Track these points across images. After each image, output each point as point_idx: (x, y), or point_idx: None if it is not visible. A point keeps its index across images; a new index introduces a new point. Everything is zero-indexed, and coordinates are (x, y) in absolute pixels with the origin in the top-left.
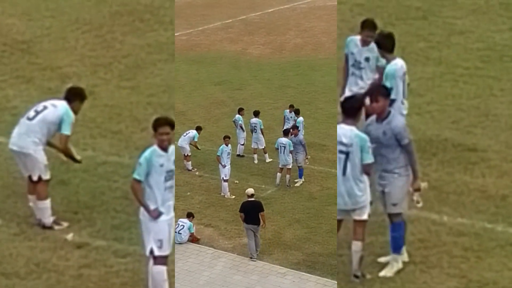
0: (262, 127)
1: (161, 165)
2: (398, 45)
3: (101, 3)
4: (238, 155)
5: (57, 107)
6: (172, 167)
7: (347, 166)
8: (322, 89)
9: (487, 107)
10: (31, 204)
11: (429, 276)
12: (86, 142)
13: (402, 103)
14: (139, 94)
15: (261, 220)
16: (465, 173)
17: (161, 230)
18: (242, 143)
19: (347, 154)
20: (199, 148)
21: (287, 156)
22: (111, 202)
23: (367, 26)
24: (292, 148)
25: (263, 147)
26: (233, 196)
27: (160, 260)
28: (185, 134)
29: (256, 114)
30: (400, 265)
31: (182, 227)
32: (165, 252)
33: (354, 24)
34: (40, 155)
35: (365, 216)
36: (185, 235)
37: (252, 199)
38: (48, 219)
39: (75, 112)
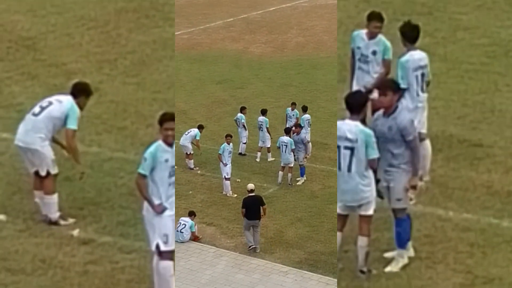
0: (268, 125)
1: (166, 160)
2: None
3: (106, 0)
4: (240, 154)
5: (63, 103)
6: (174, 163)
7: (352, 162)
8: (323, 87)
9: (493, 103)
10: (37, 200)
11: (435, 272)
12: (91, 138)
13: (417, 94)
14: (144, 90)
15: (262, 213)
16: (471, 169)
17: (166, 225)
18: (245, 141)
19: (352, 149)
20: (200, 150)
21: (288, 155)
22: (116, 198)
23: (374, 17)
24: (293, 147)
25: (268, 146)
26: (235, 195)
27: (166, 255)
28: (187, 132)
29: (264, 112)
30: (405, 260)
31: (184, 226)
32: (171, 246)
33: (360, 20)
34: (47, 150)
35: (370, 212)
36: (187, 234)
37: (253, 194)
38: (55, 214)
39: (81, 107)
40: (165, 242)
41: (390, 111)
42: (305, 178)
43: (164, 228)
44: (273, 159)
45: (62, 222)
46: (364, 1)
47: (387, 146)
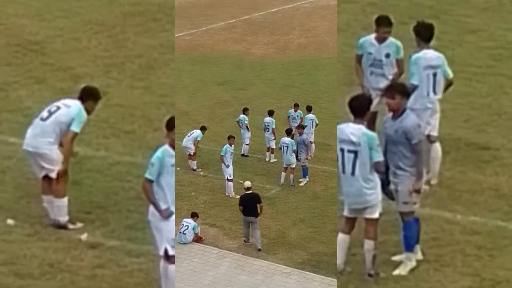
0: (274, 126)
1: (173, 165)
2: (410, 44)
3: (113, 4)
4: (243, 155)
5: (70, 107)
6: None
7: (356, 165)
8: (325, 88)
9: (500, 106)
10: (45, 204)
11: (443, 275)
12: (99, 142)
13: (428, 94)
14: (151, 94)
15: (258, 211)
16: (478, 171)
17: (173, 229)
18: (247, 142)
19: (355, 153)
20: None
21: (290, 156)
22: (124, 202)
23: (383, 22)
24: (294, 148)
25: (273, 147)
26: (238, 196)
27: (173, 259)
28: (189, 134)
29: (271, 113)
30: (413, 264)
31: (186, 227)
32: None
33: (366, 23)
34: (56, 154)
35: (376, 215)
36: (189, 235)
37: (250, 191)
38: (64, 218)
39: (89, 112)
40: (173, 246)
41: (398, 114)
42: (307, 179)
43: (171, 232)
44: (276, 160)
45: (70, 226)
46: (371, 4)
47: (395, 149)
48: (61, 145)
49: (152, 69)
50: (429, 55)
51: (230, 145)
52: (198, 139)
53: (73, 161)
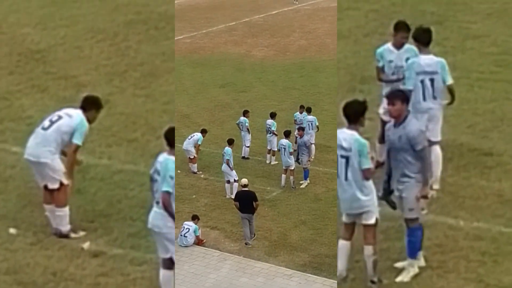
0: (275, 128)
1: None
2: None
3: (115, 12)
4: (244, 157)
5: (72, 117)
6: None
7: (348, 171)
8: (326, 90)
9: (503, 111)
10: (47, 213)
11: (446, 281)
12: (102, 150)
13: (424, 100)
14: (154, 102)
15: (254, 209)
16: (482, 177)
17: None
18: (248, 145)
19: (347, 158)
20: (197, 155)
21: (287, 158)
22: (127, 210)
23: (401, 28)
24: (291, 150)
25: (275, 150)
26: None
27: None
28: (190, 137)
29: (273, 115)
30: (416, 270)
31: (187, 230)
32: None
33: (369, 29)
34: (57, 163)
35: (372, 221)
36: (190, 238)
37: (246, 189)
38: (65, 227)
39: (91, 121)
40: (173, 252)
41: (400, 120)
42: (308, 181)
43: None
44: (276, 162)
45: (72, 235)
46: (373, 11)
47: (399, 156)
48: (63, 154)
49: (154, 77)
50: (426, 60)
51: (231, 148)
52: (199, 142)
53: (76, 169)
